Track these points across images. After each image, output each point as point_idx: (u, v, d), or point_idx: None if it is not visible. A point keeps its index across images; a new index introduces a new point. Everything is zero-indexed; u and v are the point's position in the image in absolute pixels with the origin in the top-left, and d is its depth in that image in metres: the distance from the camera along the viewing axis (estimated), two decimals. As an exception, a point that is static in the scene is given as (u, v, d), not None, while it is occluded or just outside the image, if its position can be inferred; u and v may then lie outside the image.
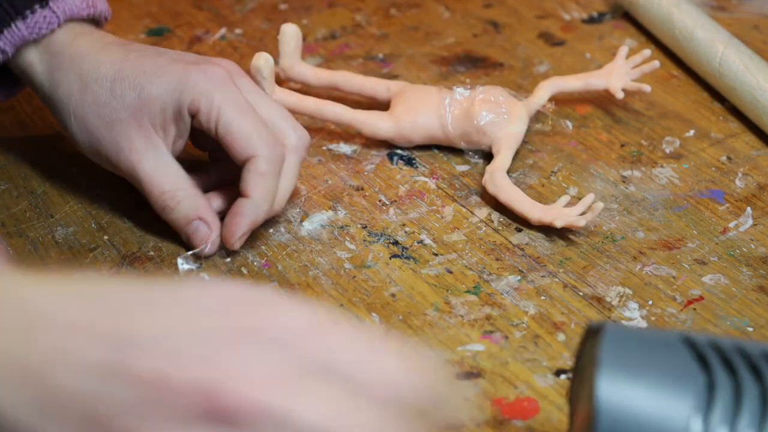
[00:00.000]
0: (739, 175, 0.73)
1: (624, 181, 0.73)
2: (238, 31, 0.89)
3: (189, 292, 0.42)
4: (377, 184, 0.73)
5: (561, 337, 0.61)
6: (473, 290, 0.64)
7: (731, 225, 0.69)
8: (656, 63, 0.78)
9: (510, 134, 0.73)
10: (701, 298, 0.64)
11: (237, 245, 0.65)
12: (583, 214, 0.67)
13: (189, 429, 0.38)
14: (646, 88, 0.77)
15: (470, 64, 0.85)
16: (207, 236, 0.65)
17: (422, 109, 0.74)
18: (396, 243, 0.68)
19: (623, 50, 0.78)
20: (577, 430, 0.46)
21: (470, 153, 0.75)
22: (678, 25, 0.84)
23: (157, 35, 0.88)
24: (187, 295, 0.42)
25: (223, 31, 0.89)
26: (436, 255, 0.67)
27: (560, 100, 0.79)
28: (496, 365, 0.60)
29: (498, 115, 0.73)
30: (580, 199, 0.70)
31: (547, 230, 0.68)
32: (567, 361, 0.60)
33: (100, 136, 0.65)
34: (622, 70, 0.78)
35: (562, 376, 0.59)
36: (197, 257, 0.66)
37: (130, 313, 0.41)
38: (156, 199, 0.65)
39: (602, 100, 0.81)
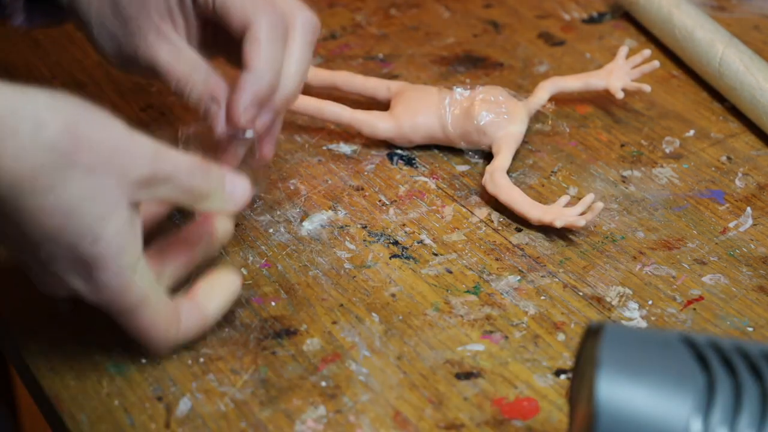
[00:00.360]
0: (739, 175, 0.73)
1: (624, 181, 0.73)
2: (238, 31, 0.89)
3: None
4: (377, 184, 0.73)
5: (561, 337, 0.61)
6: (473, 290, 0.64)
7: (731, 225, 0.69)
8: (656, 63, 0.78)
9: (510, 134, 0.73)
10: (701, 298, 0.64)
11: (242, 120, 0.63)
12: (582, 214, 0.67)
13: None
14: (646, 88, 0.77)
15: (470, 64, 0.85)
16: (217, 114, 0.63)
17: (422, 109, 0.74)
18: (396, 243, 0.68)
19: (623, 50, 0.78)
20: (577, 430, 0.46)
21: (470, 153, 0.75)
22: (678, 25, 0.84)
23: (157, 35, 0.88)
24: None
25: (223, 31, 0.89)
26: (436, 255, 0.67)
27: (560, 100, 0.79)
28: (496, 365, 0.60)
29: (498, 115, 0.73)
30: (580, 199, 0.70)
31: (547, 230, 0.68)
32: (567, 361, 0.60)
33: (119, 37, 0.65)
34: (622, 71, 0.78)
35: (562, 376, 0.59)
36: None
37: None
38: (175, 87, 0.64)
39: (602, 100, 0.81)
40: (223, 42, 0.67)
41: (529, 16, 0.91)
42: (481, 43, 0.88)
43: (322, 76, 0.79)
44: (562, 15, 0.91)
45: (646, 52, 0.78)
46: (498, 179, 0.70)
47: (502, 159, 0.72)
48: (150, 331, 0.57)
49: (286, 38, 0.64)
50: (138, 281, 0.54)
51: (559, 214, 0.67)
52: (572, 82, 0.78)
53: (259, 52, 0.62)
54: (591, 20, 0.91)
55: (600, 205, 0.66)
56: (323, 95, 0.78)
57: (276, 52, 0.63)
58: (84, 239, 0.51)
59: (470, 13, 0.92)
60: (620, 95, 0.77)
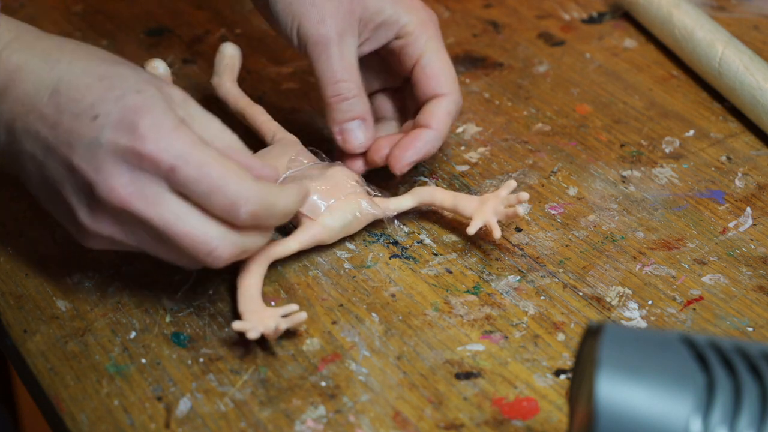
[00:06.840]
0: (739, 175, 0.73)
1: (624, 181, 0.73)
2: (238, 31, 0.89)
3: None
4: (377, 183, 0.73)
5: (561, 337, 0.61)
6: (473, 290, 0.64)
7: (731, 225, 0.69)
8: (520, 210, 0.65)
9: (317, 224, 0.65)
10: (701, 298, 0.64)
11: (404, 170, 0.68)
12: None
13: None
14: (497, 233, 0.65)
15: (470, 64, 0.85)
16: (360, 141, 0.68)
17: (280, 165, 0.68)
18: (396, 243, 0.68)
19: (510, 184, 0.67)
20: (577, 430, 0.46)
21: (469, 154, 0.75)
22: (678, 25, 0.84)
23: (157, 35, 0.88)
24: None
25: (223, 31, 0.89)
26: (435, 255, 0.67)
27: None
28: (496, 365, 0.60)
29: (326, 199, 0.66)
30: (579, 198, 0.70)
31: (547, 230, 0.69)
32: (567, 361, 0.60)
33: (309, 2, 0.67)
34: (494, 207, 0.66)
35: (562, 376, 0.59)
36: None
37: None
38: (330, 84, 0.67)
39: (602, 100, 0.81)
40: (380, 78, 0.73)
41: (529, 16, 0.91)
42: (481, 43, 0.88)
43: (239, 103, 0.74)
44: (562, 15, 0.91)
45: (524, 196, 0.66)
46: (250, 264, 0.63)
47: (284, 245, 0.64)
48: (231, 175, 0.56)
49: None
50: (185, 131, 0.56)
51: (258, 321, 0.59)
52: (444, 199, 0.68)
53: (445, 121, 0.69)
54: (591, 20, 0.91)
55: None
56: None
57: (451, 126, 0.70)
58: (130, 89, 0.57)
59: (470, 13, 0.92)
60: (471, 232, 0.66)
